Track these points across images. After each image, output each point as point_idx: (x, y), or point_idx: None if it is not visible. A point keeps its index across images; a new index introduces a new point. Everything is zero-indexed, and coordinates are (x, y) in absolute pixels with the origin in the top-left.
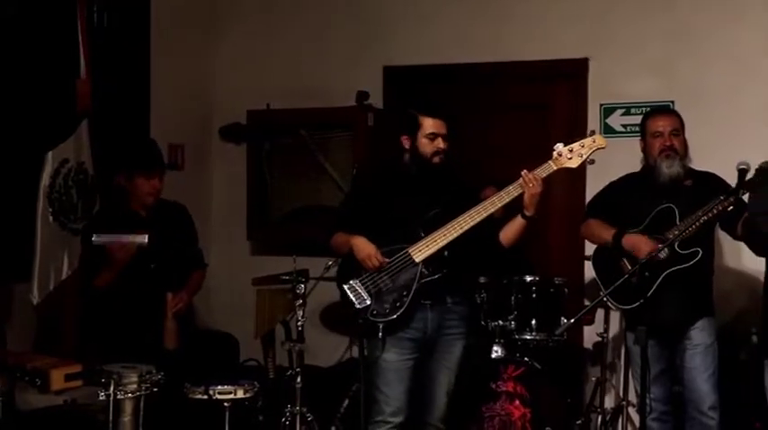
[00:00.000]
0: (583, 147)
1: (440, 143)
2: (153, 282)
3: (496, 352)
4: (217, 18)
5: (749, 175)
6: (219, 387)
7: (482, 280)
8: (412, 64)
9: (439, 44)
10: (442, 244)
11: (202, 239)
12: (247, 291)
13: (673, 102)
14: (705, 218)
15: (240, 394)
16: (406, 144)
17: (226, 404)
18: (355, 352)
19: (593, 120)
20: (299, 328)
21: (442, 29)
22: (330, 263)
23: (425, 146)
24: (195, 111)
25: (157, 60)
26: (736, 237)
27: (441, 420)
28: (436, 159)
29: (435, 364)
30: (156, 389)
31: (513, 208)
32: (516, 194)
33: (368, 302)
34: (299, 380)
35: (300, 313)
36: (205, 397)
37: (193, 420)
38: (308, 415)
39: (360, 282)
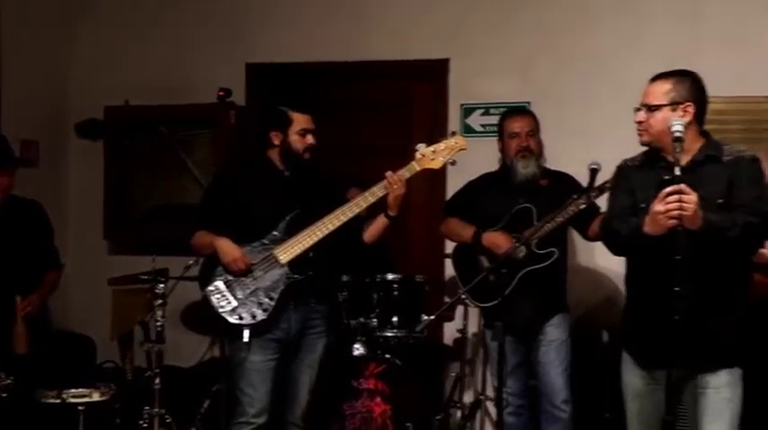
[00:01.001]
0: (445, 147)
1: (310, 139)
2: (1, 284)
3: (358, 349)
4: (72, 10)
5: (599, 175)
6: (73, 390)
7: (344, 278)
8: (275, 61)
9: (303, 42)
10: (308, 245)
11: (58, 238)
12: (104, 291)
13: (529, 102)
14: (561, 218)
15: (96, 397)
16: (276, 140)
17: (80, 408)
18: (217, 352)
19: (454, 120)
20: (159, 329)
21: (306, 27)
22: (191, 262)
23: (297, 142)
24: (50, 107)
25: (8, 54)
26: (586, 238)
27: (302, 418)
28: (307, 155)
29: (298, 364)
30: (5, 395)
31: (377, 206)
32: (381, 195)
33: (233, 304)
34: (157, 381)
35: (160, 313)
36: (58, 401)
37: (46, 425)
38: (167, 416)
39: (224, 283)
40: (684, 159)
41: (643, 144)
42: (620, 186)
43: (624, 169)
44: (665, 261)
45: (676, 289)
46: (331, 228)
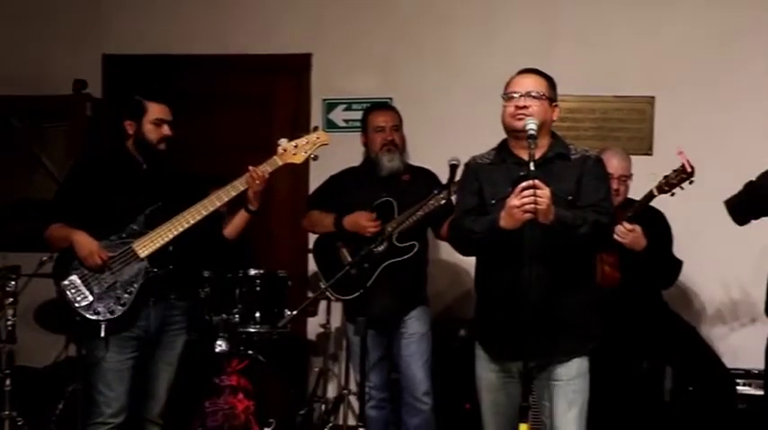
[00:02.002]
0: (307, 143)
1: (166, 130)
2: None
3: (220, 346)
4: None
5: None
6: None
7: (206, 274)
8: (133, 53)
9: (162, 34)
10: (167, 239)
11: None
12: None
13: (391, 98)
14: (421, 212)
15: None
16: (130, 129)
17: None
18: (73, 351)
19: (316, 116)
20: (9, 328)
21: (166, 19)
22: (45, 258)
23: (151, 132)
24: None
25: None
26: (438, 237)
27: (159, 416)
28: (162, 146)
29: (156, 361)
30: None
31: (237, 200)
32: (243, 189)
33: (89, 299)
34: (8, 382)
35: (11, 312)
36: None
37: None
38: (19, 419)
39: (79, 278)
40: (536, 156)
41: (521, 129)
42: (469, 186)
43: (473, 167)
44: (515, 255)
45: (527, 279)
46: (192, 221)
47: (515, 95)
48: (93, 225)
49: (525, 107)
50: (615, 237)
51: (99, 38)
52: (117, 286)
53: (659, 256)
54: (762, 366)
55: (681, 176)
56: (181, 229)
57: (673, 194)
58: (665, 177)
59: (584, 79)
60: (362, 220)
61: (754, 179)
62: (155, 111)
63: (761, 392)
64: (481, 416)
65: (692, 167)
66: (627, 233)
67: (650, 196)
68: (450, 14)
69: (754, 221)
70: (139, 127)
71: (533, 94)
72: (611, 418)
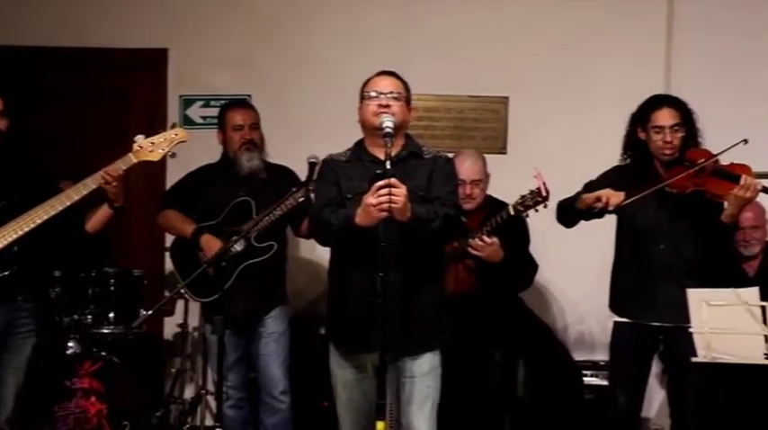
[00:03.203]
0: (164, 140)
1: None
2: None
3: (72, 348)
4: None
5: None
6: None
7: (57, 274)
8: None
9: (15, 25)
10: (11, 239)
11: None
12: None
13: (250, 95)
14: (279, 211)
15: None
16: None
17: None
18: None
19: (174, 112)
20: None
21: (19, 9)
22: None
23: None
24: None
25: None
26: (298, 234)
27: (6, 422)
28: None
29: (3, 366)
30: None
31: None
32: (94, 187)
33: None
34: None
35: None
36: None
37: None
38: None
39: None
40: (391, 154)
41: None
42: (327, 179)
43: (330, 163)
44: (370, 250)
45: (381, 274)
46: (38, 221)
47: (378, 94)
48: None
49: (388, 106)
50: (471, 251)
51: None
52: None
53: (517, 260)
54: (607, 357)
55: (536, 199)
56: (27, 229)
57: (527, 216)
58: (522, 198)
59: (441, 79)
60: (217, 249)
61: (593, 179)
62: None
63: (606, 382)
64: (337, 413)
65: (547, 191)
66: (484, 246)
67: (507, 216)
68: (312, 13)
69: (598, 221)
70: None
71: (395, 94)
72: (464, 412)
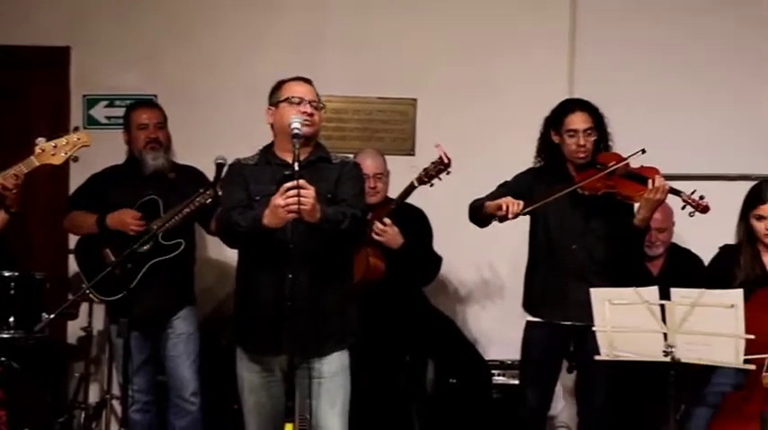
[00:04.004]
0: (67, 143)
1: None
2: None
3: None
4: None
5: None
6: None
7: None
8: None
9: None
10: None
11: None
12: None
13: (156, 95)
14: (187, 210)
15: None
16: None
17: None
18: None
19: (77, 112)
20: None
21: None
22: None
23: None
24: None
25: None
26: (209, 232)
27: None
28: None
29: None
30: None
31: None
32: None
33: None
34: None
35: None
36: None
37: None
38: None
39: None
40: (301, 158)
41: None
42: (235, 181)
43: (237, 167)
44: (278, 252)
45: (290, 276)
46: None
47: (301, 101)
48: None
49: (312, 115)
50: (373, 234)
51: None
52: None
53: (419, 254)
54: (517, 357)
55: (438, 167)
56: None
57: (432, 185)
58: (425, 169)
59: (350, 81)
60: (126, 218)
61: (508, 180)
62: None
63: (515, 382)
64: (243, 417)
65: (448, 159)
66: (384, 230)
67: (411, 187)
68: (220, 13)
69: (511, 221)
70: None
71: (315, 103)
72: (374, 411)
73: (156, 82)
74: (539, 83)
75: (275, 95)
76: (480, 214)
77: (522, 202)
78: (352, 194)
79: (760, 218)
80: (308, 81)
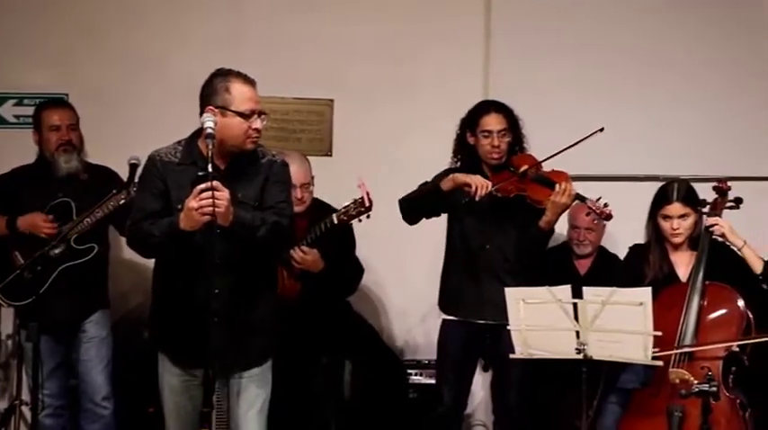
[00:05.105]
0: None
1: None
2: None
3: None
4: None
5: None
6: None
7: None
8: None
9: None
10: None
11: None
12: None
13: (67, 94)
14: (100, 212)
15: None
16: None
17: None
18: None
19: None
20: None
21: None
22: None
23: None
24: None
25: None
26: (123, 234)
27: None
28: None
29: None
30: None
31: None
32: None
33: None
34: None
35: None
36: None
37: None
38: None
39: None
40: (226, 160)
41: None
42: (151, 186)
43: (158, 164)
44: (196, 259)
45: (216, 291)
46: None
47: (252, 113)
48: None
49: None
50: (293, 263)
51: None
52: None
53: (341, 269)
54: (434, 356)
55: (359, 209)
56: None
57: (351, 226)
58: (345, 208)
59: (266, 81)
60: (38, 221)
61: (428, 180)
62: None
63: (432, 381)
64: (164, 418)
65: (370, 201)
66: (304, 258)
67: (330, 225)
68: (134, 11)
69: (426, 222)
70: None
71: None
72: (292, 413)
73: (68, 80)
74: (454, 82)
75: (221, 97)
76: (425, 199)
77: (490, 183)
78: (279, 201)
79: (666, 217)
80: (253, 83)
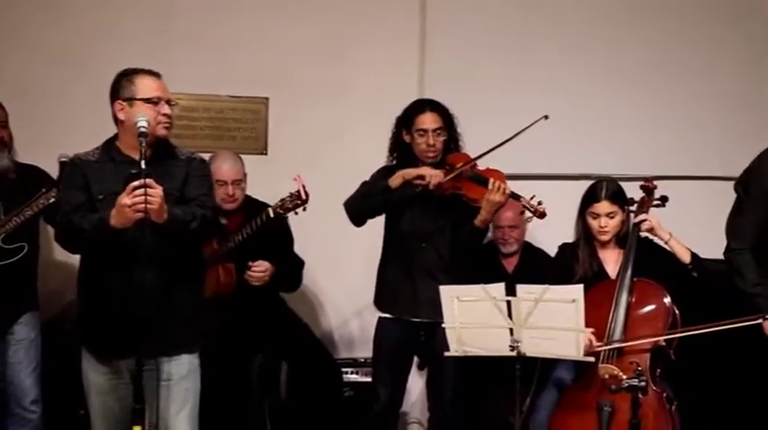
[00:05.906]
0: None
1: None
2: None
3: None
4: None
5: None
6: None
7: None
8: None
9: None
10: None
11: None
12: None
13: None
14: (30, 211)
15: None
16: None
17: None
18: None
19: None
20: None
21: None
22: None
23: None
24: None
25: None
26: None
27: None
28: None
29: None
30: None
31: None
32: None
33: None
34: None
35: None
36: None
37: None
38: None
39: None
40: (147, 155)
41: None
42: (74, 182)
43: (78, 164)
44: (126, 253)
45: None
46: None
47: (158, 100)
48: None
49: (169, 116)
50: (250, 280)
51: None
52: None
53: (283, 266)
54: (370, 354)
55: (295, 202)
56: None
57: (287, 219)
58: (281, 201)
59: (201, 79)
60: None
61: (367, 179)
62: None
63: (368, 379)
64: (90, 420)
65: (306, 194)
66: (257, 277)
67: (266, 218)
68: (65, 8)
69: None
70: None
71: (171, 101)
72: (227, 414)
73: None
74: (390, 80)
75: (127, 90)
76: (375, 199)
77: (441, 172)
78: (201, 193)
79: (595, 215)
80: (159, 75)
